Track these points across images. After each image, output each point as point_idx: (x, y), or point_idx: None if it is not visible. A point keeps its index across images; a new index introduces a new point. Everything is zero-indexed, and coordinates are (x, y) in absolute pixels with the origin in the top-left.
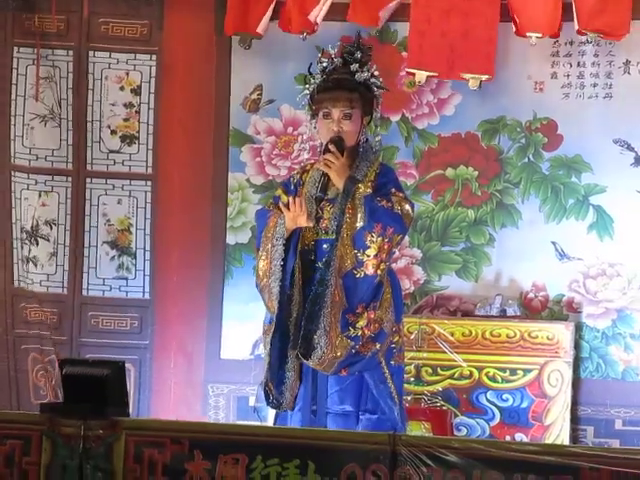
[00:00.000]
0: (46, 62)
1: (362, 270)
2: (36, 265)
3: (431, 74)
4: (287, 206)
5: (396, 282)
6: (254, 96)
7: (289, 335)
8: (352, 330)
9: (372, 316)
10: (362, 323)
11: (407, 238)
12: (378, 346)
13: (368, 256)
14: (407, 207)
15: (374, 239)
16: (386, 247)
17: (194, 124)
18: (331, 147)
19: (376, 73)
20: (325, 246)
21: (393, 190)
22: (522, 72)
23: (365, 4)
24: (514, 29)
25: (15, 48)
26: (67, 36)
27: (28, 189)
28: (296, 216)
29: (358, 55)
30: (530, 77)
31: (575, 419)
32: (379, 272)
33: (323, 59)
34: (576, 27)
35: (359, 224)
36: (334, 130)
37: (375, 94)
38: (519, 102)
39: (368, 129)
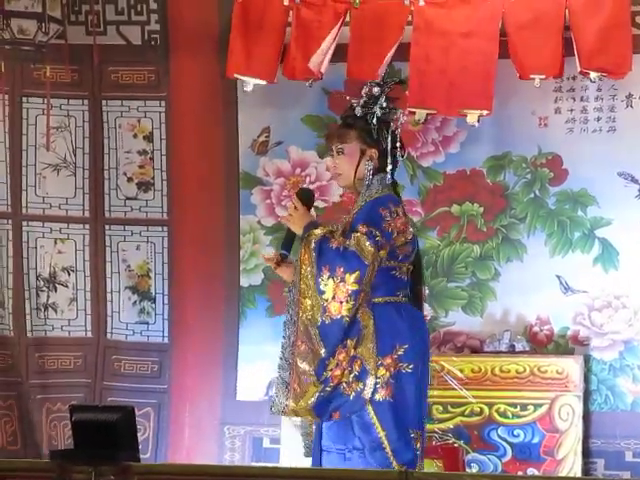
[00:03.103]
0: (59, 112)
1: (327, 315)
2: (56, 311)
3: (430, 112)
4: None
5: (381, 316)
6: (262, 138)
7: None
8: (324, 373)
9: (341, 357)
10: (332, 365)
11: None
12: (361, 385)
13: (326, 300)
14: (366, 243)
15: (325, 282)
16: (341, 287)
17: (205, 168)
18: (293, 199)
19: (384, 105)
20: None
21: (359, 226)
22: (526, 108)
23: (362, 60)
24: (517, 74)
25: (24, 98)
26: (81, 86)
27: (43, 237)
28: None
29: (374, 90)
30: (534, 113)
31: (586, 452)
32: (345, 312)
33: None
34: (578, 68)
35: (313, 271)
36: (329, 165)
37: (374, 127)
38: (524, 138)
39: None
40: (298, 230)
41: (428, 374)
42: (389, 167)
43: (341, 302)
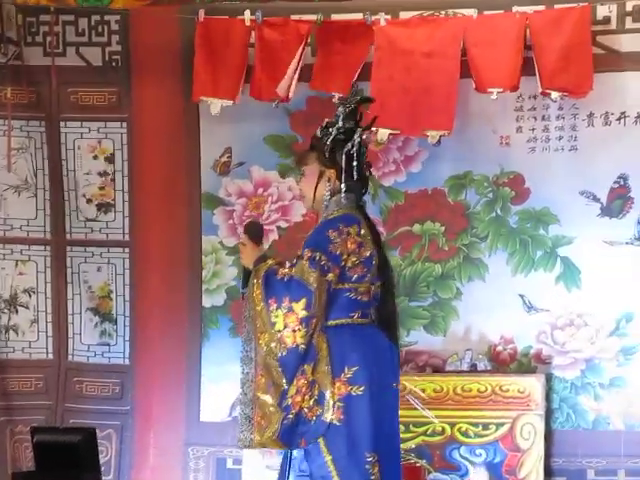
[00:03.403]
0: (20, 133)
1: (283, 347)
2: (17, 333)
3: (393, 132)
4: None
5: (333, 338)
6: (224, 159)
7: None
8: (285, 401)
9: (300, 383)
10: (292, 392)
11: None
12: (321, 409)
13: (279, 331)
14: (309, 269)
15: (275, 314)
16: (291, 316)
17: (167, 189)
18: (241, 236)
19: (340, 124)
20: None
21: (304, 252)
22: (487, 127)
23: (328, 72)
24: (474, 85)
25: None
26: (39, 107)
27: (4, 259)
28: None
29: (339, 110)
30: (495, 132)
31: (548, 471)
32: (299, 340)
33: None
34: (539, 89)
35: (263, 304)
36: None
37: (327, 147)
38: (486, 157)
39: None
40: (249, 265)
41: (391, 394)
42: (342, 187)
43: (294, 331)
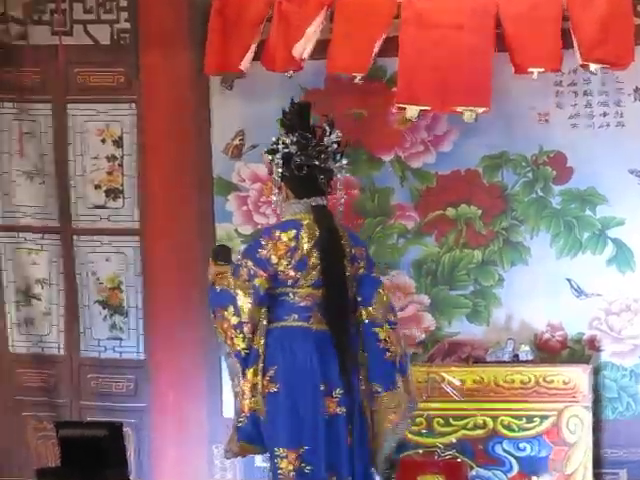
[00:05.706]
0: (27, 117)
1: (228, 354)
2: (33, 325)
3: (423, 108)
4: None
5: (269, 340)
6: (236, 142)
7: None
8: (236, 405)
9: (245, 387)
10: (239, 396)
11: (414, 284)
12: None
13: (224, 341)
14: (230, 276)
15: (215, 325)
16: (225, 324)
17: (177, 174)
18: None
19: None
20: None
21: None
22: (524, 103)
23: (345, 54)
24: (513, 69)
25: None
26: (44, 89)
27: (20, 248)
28: None
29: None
30: (533, 108)
31: (604, 463)
32: (240, 345)
33: None
34: (579, 61)
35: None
36: None
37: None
38: (523, 135)
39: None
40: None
41: (316, 395)
42: (272, 197)
43: (232, 338)
